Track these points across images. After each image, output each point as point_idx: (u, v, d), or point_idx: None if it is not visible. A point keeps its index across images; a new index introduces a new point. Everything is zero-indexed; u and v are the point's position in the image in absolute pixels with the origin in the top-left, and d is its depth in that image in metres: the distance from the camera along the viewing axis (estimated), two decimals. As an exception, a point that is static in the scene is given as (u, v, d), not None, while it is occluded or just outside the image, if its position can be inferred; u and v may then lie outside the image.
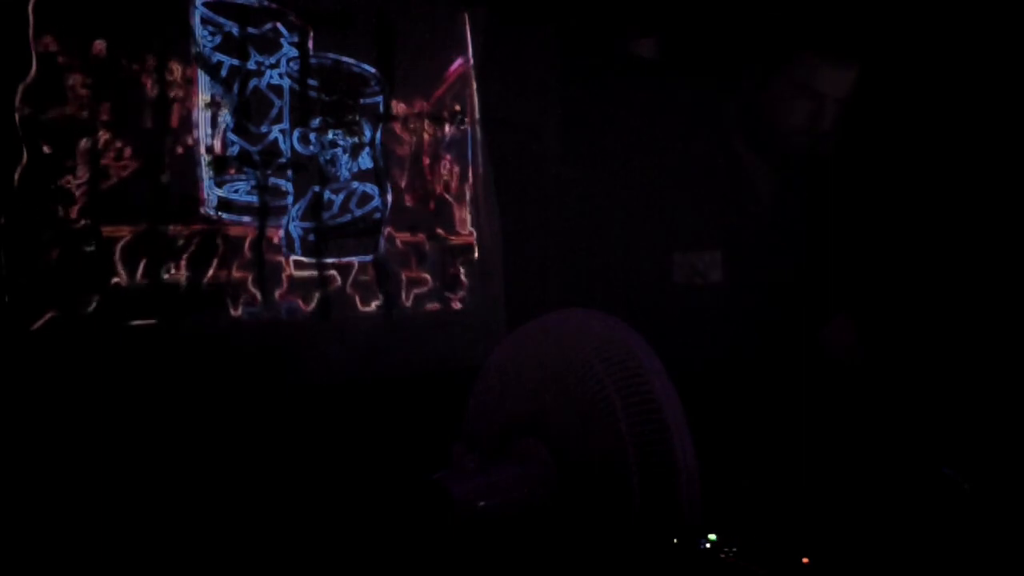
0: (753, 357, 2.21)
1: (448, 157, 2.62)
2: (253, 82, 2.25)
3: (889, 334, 2.43)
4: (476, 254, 2.67)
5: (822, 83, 2.08)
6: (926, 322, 2.39)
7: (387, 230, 2.48)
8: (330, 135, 2.38)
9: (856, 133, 2.31)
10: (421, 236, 2.55)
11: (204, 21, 2.17)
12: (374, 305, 2.46)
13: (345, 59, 2.41)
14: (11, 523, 1.78)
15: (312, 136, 2.35)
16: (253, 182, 2.24)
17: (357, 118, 2.43)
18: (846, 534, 1.57)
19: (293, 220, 2.32)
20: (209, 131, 2.18)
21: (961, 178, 2.41)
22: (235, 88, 2.22)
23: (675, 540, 1.26)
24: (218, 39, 2.19)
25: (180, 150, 2.13)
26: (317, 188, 2.36)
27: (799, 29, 2.13)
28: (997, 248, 2.36)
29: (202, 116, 2.16)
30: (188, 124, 2.14)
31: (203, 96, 2.16)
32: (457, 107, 2.63)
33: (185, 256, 2.12)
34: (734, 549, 1.39)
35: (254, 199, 2.24)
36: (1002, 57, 2.35)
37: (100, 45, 2.00)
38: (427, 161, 2.57)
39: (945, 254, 2.41)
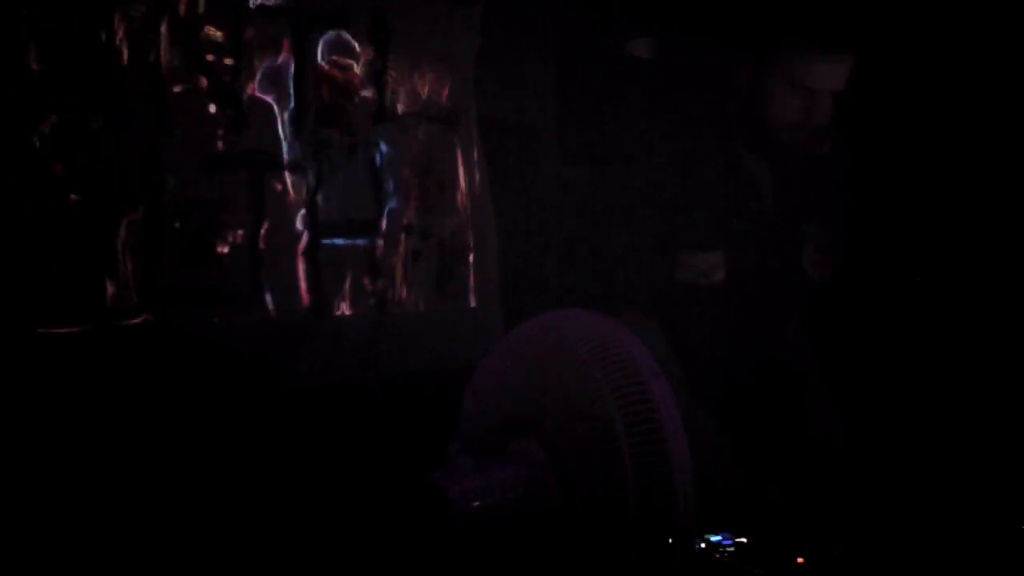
0: (755, 356, 2.20)
1: (445, 157, 2.61)
2: (250, 81, 2.25)
3: (892, 331, 2.42)
4: (474, 254, 2.66)
5: (814, 78, 2.06)
6: (929, 320, 2.39)
7: (383, 230, 2.48)
8: (326, 135, 2.38)
9: (856, 127, 2.30)
10: (418, 236, 2.55)
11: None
12: (371, 305, 2.45)
13: (341, 58, 2.41)
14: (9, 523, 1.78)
15: (308, 136, 2.35)
16: (250, 181, 2.24)
17: (353, 118, 2.43)
18: (843, 534, 1.57)
19: (290, 220, 2.32)
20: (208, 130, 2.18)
21: (966, 172, 2.39)
22: (232, 87, 2.22)
23: (670, 540, 1.26)
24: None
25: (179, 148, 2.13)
26: (313, 188, 2.36)
27: (788, 22, 2.10)
28: (999, 245, 2.35)
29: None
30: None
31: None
32: (454, 106, 2.62)
33: (179, 254, 2.11)
34: (729, 549, 1.39)
35: (250, 199, 2.24)
36: (1003, 46, 2.33)
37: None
38: (424, 161, 2.57)
39: (951, 251, 2.40)
